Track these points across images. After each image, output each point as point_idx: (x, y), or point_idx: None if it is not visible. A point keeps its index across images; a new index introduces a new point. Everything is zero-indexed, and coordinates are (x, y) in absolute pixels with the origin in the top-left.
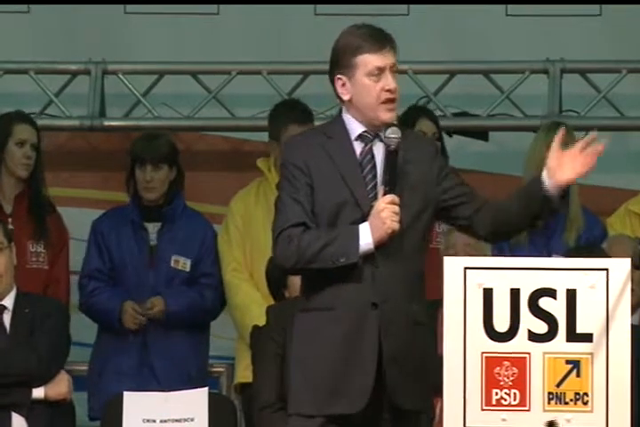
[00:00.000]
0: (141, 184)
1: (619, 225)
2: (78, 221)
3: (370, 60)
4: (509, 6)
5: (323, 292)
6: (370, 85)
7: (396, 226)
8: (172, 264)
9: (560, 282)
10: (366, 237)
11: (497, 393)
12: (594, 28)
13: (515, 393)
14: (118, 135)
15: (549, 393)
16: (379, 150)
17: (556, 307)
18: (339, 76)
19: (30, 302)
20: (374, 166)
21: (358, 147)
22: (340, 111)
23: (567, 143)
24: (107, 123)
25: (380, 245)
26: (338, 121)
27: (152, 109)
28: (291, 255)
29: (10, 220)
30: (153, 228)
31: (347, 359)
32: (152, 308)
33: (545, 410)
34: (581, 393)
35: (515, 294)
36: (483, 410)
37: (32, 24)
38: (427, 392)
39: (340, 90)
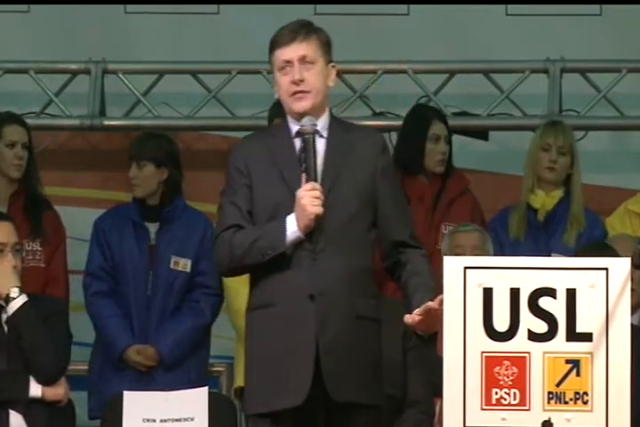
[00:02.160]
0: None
1: (618, 225)
2: (78, 221)
3: (279, 55)
4: (509, 6)
5: (264, 289)
6: (281, 80)
7: (318, 210)
8: (172, 266)
9: (560, 281)
10: (292, 226)
11: (497, 393)
12: (594, 27)
13: (514, 393)
14: (118, 135)
15: (549, 393)
16: (319, 147)
17: (556, 306)
18: (273, 75)
19: (32, 301)
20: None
21: (298, 143)
22: None
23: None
24: (107, 122)
25: (308, 231)
26: (283, 120)
27: (152, 109)
28: (225, 256)
29: None
30: (153, 228)
31: (286, 354)
32: (146, 353)
33: (545, 410)
34: (581, 393)
35: (514, 293)
36: (482, 410)
37: (32, 24)
38: (370, 386)
39: (274, 89)
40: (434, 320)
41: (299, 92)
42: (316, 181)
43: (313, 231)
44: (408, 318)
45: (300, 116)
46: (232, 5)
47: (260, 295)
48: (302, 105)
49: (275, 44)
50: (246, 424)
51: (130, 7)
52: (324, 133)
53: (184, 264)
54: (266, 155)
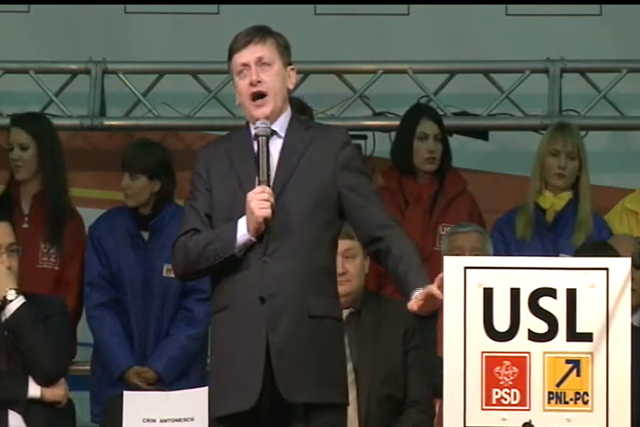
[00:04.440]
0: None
1: (616, 223)
2: None
3: (236, 60)
4: (509, 6)
5: (220, 292)
6: (240, 84)
7: (266, 213)
8: (165, 273)
9: (560, 281)
10: (242, 228)
11: (497, 393)
12: (594, 27)
13: (515, 393)
14: (118, 135)
15: (549, 393)
16: (276, 148)
17: (557, 306)
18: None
19: (31, 302)
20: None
21: (256, 146)
22: None
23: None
24: (107, 122)
25: (259, 233)
26: (245, 125)
27: (152, 109)
28: (181, 260)
29: (26, 219)
30: (147, 237)
31: (238, 357)
32: (145, 377)
33: (545, 410)
34: (581, 393)
35: (515, 293)
36: (483, 410)
37: (32, 24)
38: (328, 385)
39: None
40: (435, 301)
41: (257, 97)
42: (268, 182)
43: (264, 233)
44: (412, 305)
45: (255, 121)
46: (232, 5)
47: (218, 299)
48: (263, 112)
49: (232, 50)
50: None
51: (130, 7)
52: (282, 134)
53: None
54: (225, 159)
